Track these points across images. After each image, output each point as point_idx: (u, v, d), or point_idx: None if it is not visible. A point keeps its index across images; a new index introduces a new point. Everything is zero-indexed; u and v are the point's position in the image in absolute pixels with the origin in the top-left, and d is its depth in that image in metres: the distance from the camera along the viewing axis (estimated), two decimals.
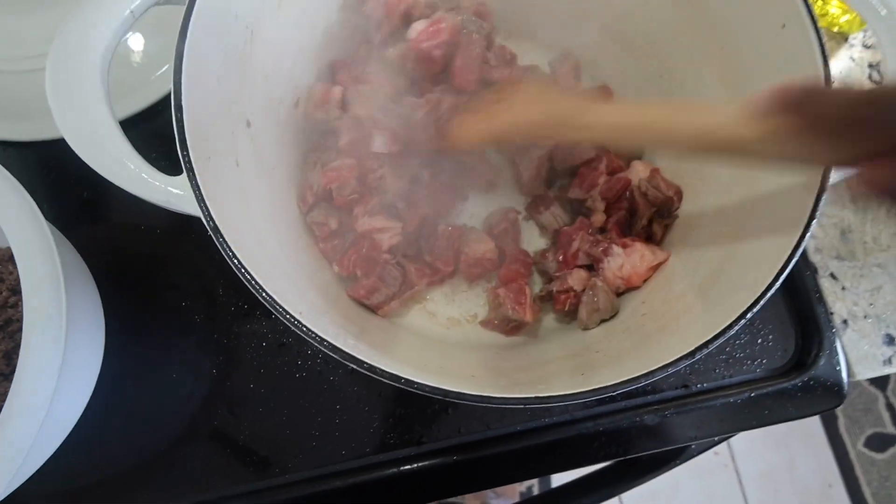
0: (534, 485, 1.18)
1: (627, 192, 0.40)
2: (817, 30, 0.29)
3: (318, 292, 0.35)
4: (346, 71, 0.40)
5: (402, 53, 0.38)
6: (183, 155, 0.24)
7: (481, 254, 0.38)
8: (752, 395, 0.41)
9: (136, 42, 0.47)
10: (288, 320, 0.23)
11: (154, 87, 0.45)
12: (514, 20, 0.45)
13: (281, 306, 0.23)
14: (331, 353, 0.23)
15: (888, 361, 0.43)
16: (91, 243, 0.41)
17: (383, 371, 0.22)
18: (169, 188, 0.25)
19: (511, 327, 0.38)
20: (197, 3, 0.26)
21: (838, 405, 0.41)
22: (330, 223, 0.39)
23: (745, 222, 0.32)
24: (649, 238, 0.39)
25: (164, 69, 0.46)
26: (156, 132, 0.41)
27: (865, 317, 0.44)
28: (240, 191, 0.30)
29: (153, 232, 0.43)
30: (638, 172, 0.40)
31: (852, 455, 1.28)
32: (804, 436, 1.31)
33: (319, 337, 0.22)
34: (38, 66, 0.44)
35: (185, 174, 0.24)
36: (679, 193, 0.39)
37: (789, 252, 0.26)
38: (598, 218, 0.40)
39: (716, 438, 0.42)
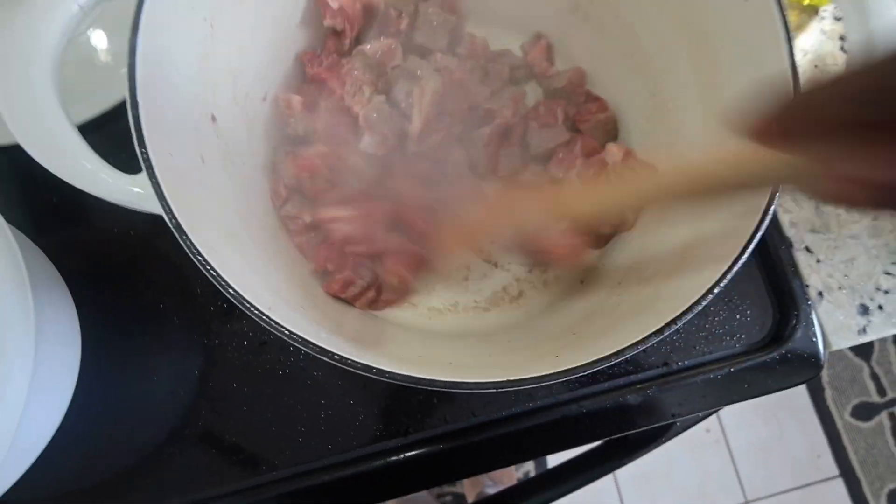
0: (530, 471, 1.19)
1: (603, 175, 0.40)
2: (780, 3, 0.29)
3: (297, 288, 0.35)
4: (316, 64, 0.40)
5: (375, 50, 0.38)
6: (141, 152, 0.24)
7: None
8: (732, 370, 0.42)
9: (98, 40, 0.46)
10: (256, 315, 0.23)
11: (120, 86, 0.43)
12: (483, 4, 0.45)
13: (248, 301, 0.22)
14: (301, 346, 0.23)
15: (862, 331, 0.43)
16: (63, 249, 0.41)
17: (353, 362, 0.22)
18: (129, 187, 0.24)
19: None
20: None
21: (816, 376, 0.42)
22: (303, 217, 0.38)
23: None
24: (623, 223, 0.39)
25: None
26: (126, 132, 0.41)
27: (840, 288, 0.44)
28: (207, 187, 0.30)
29: (126, 235, 0.43)
30: (613, 154, 0.40)
31: (839, 425, 1.31)
32: (792, 409, 1.33)
33: (287, 330, 0.22)
34: None
35: (144, 172, 0.23)
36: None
37: (755, 225, 0.26)
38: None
39: (699, 414, 0.43)
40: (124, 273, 0.42)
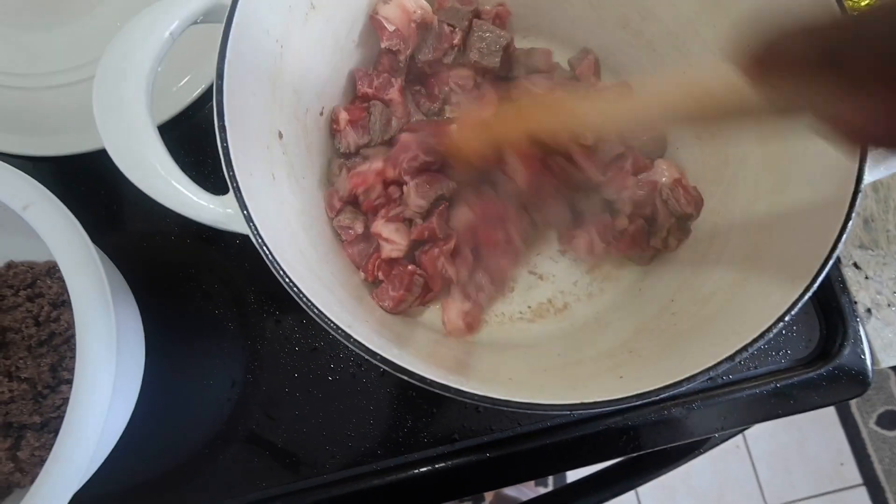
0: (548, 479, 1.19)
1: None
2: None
3: (352, 298, 0.36)
4: (367, 82, 0.40)
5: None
6: (230, 175, 0.24)
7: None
8: (778, 385, 0.42)
9: None
10: (340, 335, 0.23)
11: (174, 100, 0.45)
12: (530, 19, 0.45)
13: (333, 322, 0.23)
14: (383, 366, 0.23)
15: None
16: (122, 255, 0.42)
17: (434, 382, 0.23)
18: (218, 208, 0.25)
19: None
20: (234, 22, 0.26)
21: (863, 393, 0.42)
22: (356, 227, 0.39)
23: (773, 226, 0.32)
24: (665, 249, 0.39)
25: (185, 80, 0.46)
26: (181, 142, 0.42)
27: (889, 305, 0.44)
28: (279, 204, 0.30)
29: (182, 241, 0.44)
30: (662, 173, 0.40)
31: (864, 433, 1.29)
32: (815, 416, 1.31)
33: (372, 351, 0.23)
34: (56, 83, 0.45)
35: (231, 193, 0.24)
36: (699, 206, 0.39)
37: (826, 253, 0.26)
38: (622, 222, 0.39)
39: (742, 428, 0.43)
40: (181, 279, 0.43)
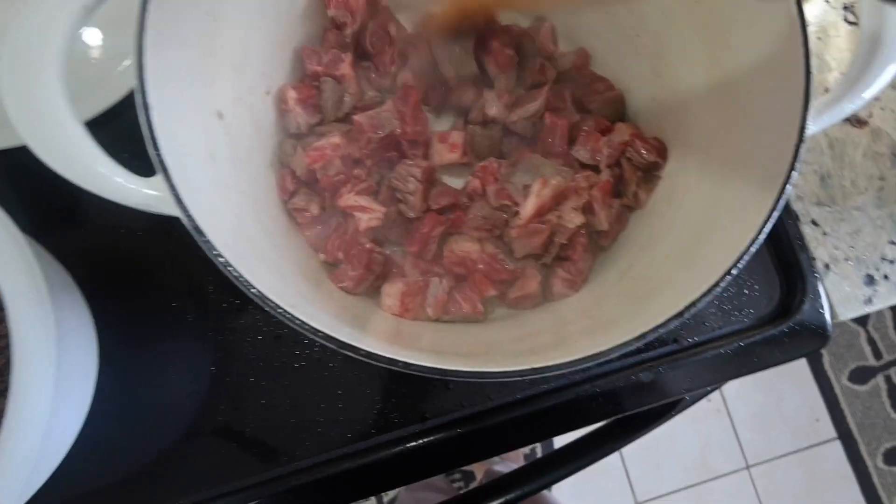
0: (537, 446, 1.22)
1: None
2: None
3: (308, 281, 0.35)
4: (315, 60, 0.39)
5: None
6: (155, 155, 0.23)
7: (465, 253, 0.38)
8: (742, 344, 0.42)
9: (92, 37, 0.45)
10: (280, 314, 0.23)
11: (118, 84, 0.43)
12: None
13: (271, 300, 0.22)
14: (327, 343, 0.23)
15: (868, 301, 0.44)
16: (71, 251, 0.40)
17: (381, 356, 0.22)
18: (145, 190, 0.24)
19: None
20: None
21: (823, 346, 0.43)
22: (311, 209, 0.38)
23: (726, 180, 0.32)
24: (635, 205, 0.39)
25: (125, 63, 0.44)
26: (126, 131, 0.40)
27: (846, 259, 0.45)
28: (218, 185, 0.29)
29: (134, 234, 0.42)
30: (622, 133, 0.40)
31: (837, 389, 1.34)
32: (791, 375, 1.36)
33: (313, 328, 0.22)
34: None
35: (159, 174, 0.23)
36: (663, 152, 0.39)
37: (769, 208, 0.26)
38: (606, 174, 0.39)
39: (709, 388, 0.44)
40: (135, 273, 0.42)
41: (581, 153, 0.40)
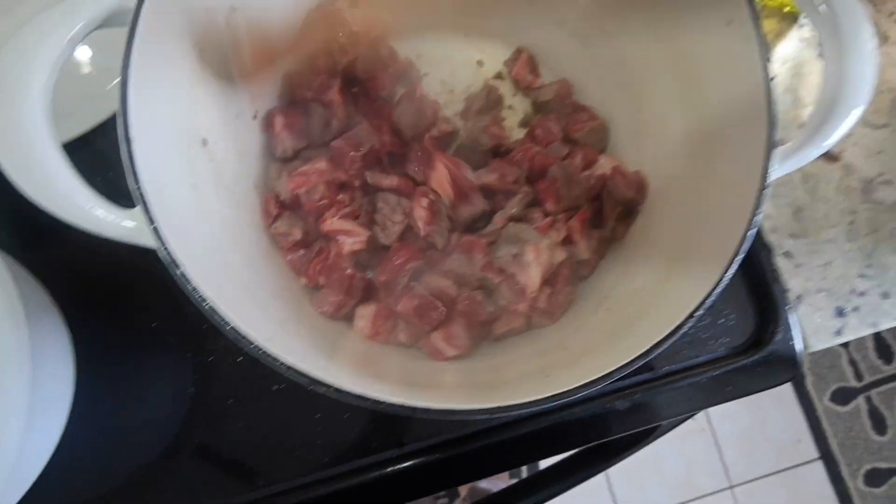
0: (522, 468, 1.21)
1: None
2: (758, 28, 0.29)
3: (288, 307, 0.36)
4: (304, 84, 0.40)
5: None
6: (136, 188, 0.24)
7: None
8: (716, 373, 0.43)
9: (83, 53, 0.45)
10: (253, 350, 0.23)
11: (106, 103, 0.43)
12: (470, 20, 0.45)
13: (245, 337, 0.23)
14: (298, 380, 0.23)
15: (839, 332, 0.45)
16: (51, 270, 0.41)
17: (349, 393, 0.23)
18: (124, 223, 0.24)
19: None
20: (139, 24, 0.25)
21: (794, 377, 0.44)
22: (294, 233, 0.39)
23: (701, 217, 0.34)
24: (613, 239, 0.40)
25: (115, 82, 0.44)
26: (108, 153, 0.40)
27: (818, 291, 0.46)
28: (199, 214, 0.30)
29: (115, 253, 0.42)
30: (603, 166, 0.41)
31: (819, 410, 1.35)
32: (774, 395, 1.37)
33: (285, 365, 0.23)
34: None
35: (139, 207, 0.23)
36: (643, 189, 0.40)
37: (736, 245, 0.27)
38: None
39: (684, 416, 0.45)
40: (114, 293, 0.42)
41: (563, 189, 0.41)
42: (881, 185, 0.48)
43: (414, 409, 0.23)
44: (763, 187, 0.27)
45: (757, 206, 0.26)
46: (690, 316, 0.25)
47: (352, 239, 0.38)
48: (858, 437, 1.35)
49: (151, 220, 0.23)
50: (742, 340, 0.44)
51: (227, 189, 0.34)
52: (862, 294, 0.46)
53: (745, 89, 0.30)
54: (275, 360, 0.23)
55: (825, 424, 1.34)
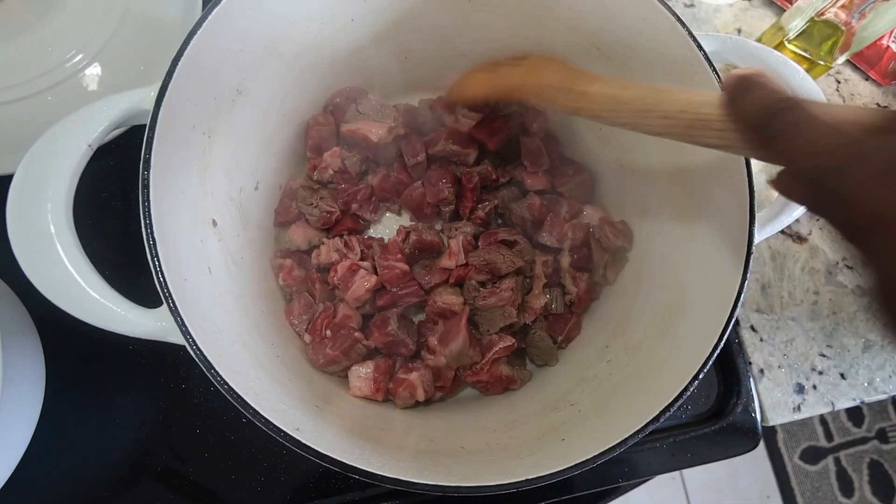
0: None
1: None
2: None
3: (292, 360, 0.39)
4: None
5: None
6: (163, 290, 0.27)
7: None
8: (677, 440, 0.47)
9: (91, 70, 0.48)
10: (284, 439, 0.28)
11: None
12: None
13: (275, 426, 0.27)
14: (288, 444, 0.27)
15: (797, 408, 0.50)
16: (32, 287, 0.42)
17: (343, 464, 0.27)
18: (153, 323, 0.28)
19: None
20: (158, 125, 0.28)
21: (753, 448, 0.48)
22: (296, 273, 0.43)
23: (689, 273, 0.39)
24: (604, 282, 0.46)
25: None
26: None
27: (780, 366, 0.51)
28: (215, 297, 0.34)
29: None
30: (591, 216, 0.46)
31: (789, 468, 1.41)
32: None
33: (320, 453, 0.28)
34: None
35: (164, 305, 0.27)
36: (629, 237, 0.46)
37: (730, 306, 0.33)
38: (566, 260, 0.46)
39: (643, 479, 0.48)
40: None
41: (546, 238, 0.46)
42: (844, 269, 0.53)
43: (410, 485, 0.26)
44: (749, 252, 0.33)
45: (745, 269, 0.33)
46: (694, 378, 0.31)
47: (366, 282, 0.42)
48: (826, 498, 1.41)
49: (181, 321, 0.27)
50: (705, 409, 0.49)
51: (236, 263, 0.39)
52: (821, 373, 0.51)
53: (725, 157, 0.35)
54: (306, 447, 0.28)
55: (794, 483, 1.40)
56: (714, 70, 0.35)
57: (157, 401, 0.44)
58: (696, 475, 1.34)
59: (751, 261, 0.33)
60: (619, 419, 0.32)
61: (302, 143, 0.48)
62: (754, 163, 0.53)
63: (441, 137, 0.47)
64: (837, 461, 1.39)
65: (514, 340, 0.43)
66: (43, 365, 0.42)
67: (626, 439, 0.30)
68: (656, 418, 0.30)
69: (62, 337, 0.42)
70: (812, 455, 1.39)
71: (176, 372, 0.44)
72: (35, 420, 0.40)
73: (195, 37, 0.31)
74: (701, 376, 0.31)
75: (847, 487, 1.39)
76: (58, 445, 0.42)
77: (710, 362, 0.32)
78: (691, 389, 0.31)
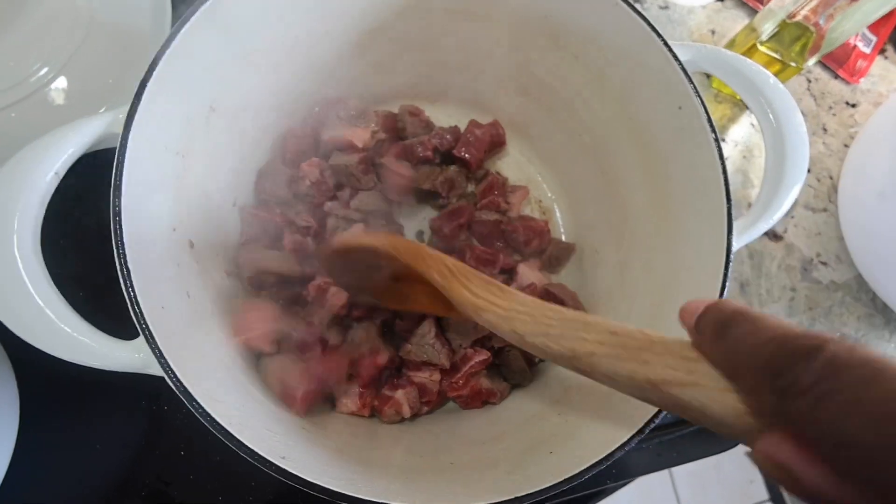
0: None
1: None
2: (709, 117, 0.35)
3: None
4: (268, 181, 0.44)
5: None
6: (139, 322, 0.26)
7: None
8: (663, 440, 0.48)
9: (58, 83, 0.46)
10: (269, 468, 0.27)
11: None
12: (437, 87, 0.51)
13: (261, 456, 0.27)
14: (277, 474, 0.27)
15: None
16: None
17: (332, 492, 0.27)
18: (129, 355, 0.27)
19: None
20: (128, 148, 0.27)
21: (736, 445, 0.49)
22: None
23: (671, 280, 0.39)
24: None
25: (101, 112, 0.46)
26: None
27: None
28: (195, 321, 0.33)
29: None
30: (527, 276, 0.47)
31: None
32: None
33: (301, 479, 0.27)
34: None
35: (141, 337, 0.26)
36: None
37: None
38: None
39: (630, 479, 0.49)
40: None
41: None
42: (819, 265, 0.55)
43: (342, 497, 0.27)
44: (728, 260, 0.33)
45: (725, 276, 0.33)
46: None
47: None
48: None
49: (159, 353, 0.26)
50: None
51: (216, 284, 0.38)
52: None
53: (702, 172, 0.36)
54: (293, 476, 0.27)
55: None
56: (688, 77, 0.36)
57: (139, 424, 0.43)
58: (683, 465, 1.38)
59: (730, 268, 0.34)
60: (607, 430, 0.32)
61: (279, 156, 0.47)
62: (730, 164, 0.54)
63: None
64: None
65: (489, 354, 0.43)
66: (16, 391, 0.40)
67: (612, 452, 0.30)
68: (641, 430, 0.30)
69: (35, 361, 0.41)
70: None
71: (157, 394, 0.43)
72: (10, 449, 0.39)
73: (164, 55, 0.30)
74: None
75: None
76: (36, 474, 0.40)
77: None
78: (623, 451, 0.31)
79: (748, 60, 0.36)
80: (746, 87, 0.36)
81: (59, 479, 0.41)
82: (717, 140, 0.36)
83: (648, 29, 0.36)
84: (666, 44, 0.36)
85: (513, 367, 0.45)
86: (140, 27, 0.49)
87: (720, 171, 0.36)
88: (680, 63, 0.36)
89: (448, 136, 0.48)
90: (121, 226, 0.27)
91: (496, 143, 0.51)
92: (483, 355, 0.42)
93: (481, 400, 0.43)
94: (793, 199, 0.36)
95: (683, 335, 0.21)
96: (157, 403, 0.43)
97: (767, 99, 0.35)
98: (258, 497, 0.42)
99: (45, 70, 0.45)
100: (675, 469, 1.39)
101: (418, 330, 0.42)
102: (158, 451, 0.42)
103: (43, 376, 0.41)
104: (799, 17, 0.50)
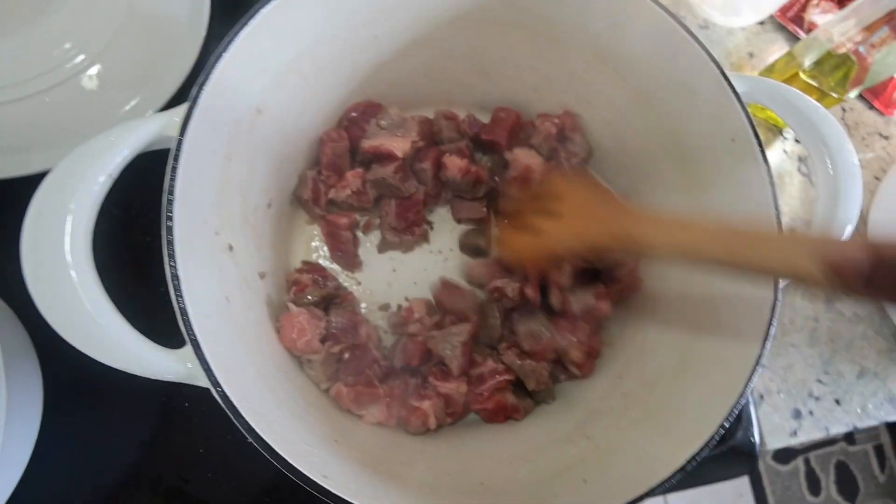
0: None
1: None
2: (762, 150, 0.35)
3: (297, 393, 0.38)
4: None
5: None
6: (188, 332, 0.26)
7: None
8: None
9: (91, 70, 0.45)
10: (311, 487, 0.26)
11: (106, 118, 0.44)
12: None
13: (302, 473, 0.26)
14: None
15: (794, 433, 0.51)
16: (32, 306, 0.41)
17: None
18: (178, 365, 0.26)
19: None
20: (182, 152, 0.26)
21: (750, 472, 0.49)
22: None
23: (709, 301, 0.39)
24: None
25: (132, 104, 0.45)
26: None
27: (779, 392, 0.52)
28: (235, 330, 0.32)
29: None
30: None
31: (762, 467, 1.46)
32: None
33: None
34: None
35: (188, 346, 0.26)
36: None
37: (759, 345, 0.33)
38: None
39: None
40: None
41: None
42: (843, 297, 0.54)
43: None
44: (776, 299, 0.34)
45: (774, 309, 0.34)
46: (721, 426, 0.31)
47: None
48: (794, 497, 1.47)
49: (206, 364, 0.26)
50: None
51: (250, 288, 0.37)
52: (818, 399, 0.52)
53: (752, 208, 0.36)
54: (336, 497, 0.27)
55: (766, 482, 1.45)
56: (745, 110, 0.36)
57: (159, 421, 0.42)
58: None
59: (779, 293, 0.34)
60: (641, 464, 0.32)
61: (314, 157, 0.46)
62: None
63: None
64: (807, 461, 1.45)
65: (507, 369, 0.43)
66: (41, 383, 0.40)
67: (652, 489, 0.30)
68: (682, 468, 0.30)
69: (60, 355, 0.41)
70: (784, 456, 1.44)
71: (178, 391, 0.42)
72: (33, 440, 0.39)
73: (221, 59, 0.30)
74: (727, 424, 0.31)
75: (815, 486, 1.45)
76: (57, 466, 0.40)
77: (738, 407, 0.32)
78: (716, 436, 0.31)
79: (806, 97, 0.35)
80: (802, 124, 0.36)
81: (79, 470, 0.41)
82: (769, 172, 0.36)
83: (706, 57, 0.36)
84: (723, 73, 0.36)
85: (535, 380, 0.44)
86: (177, 17, 0.48)
87: (773, 206, 0.36)
88: (737, 94, 0.35)
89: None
90: (173, 232, 0.26)
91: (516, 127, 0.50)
92: (504, 373, 0.43)
93: (505, 415, 0.43)
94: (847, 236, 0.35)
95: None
96: (178, 401, 0.43)
97: (823, 137, 0.35)
98: (277, 498, 0.42)
99: (81, 57, 0.44)
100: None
101: (454, 328, 0.43)
102: (177, 448, 0.42)
103: (66, 372, 0.41)
104: (844, 49, 0.50)
